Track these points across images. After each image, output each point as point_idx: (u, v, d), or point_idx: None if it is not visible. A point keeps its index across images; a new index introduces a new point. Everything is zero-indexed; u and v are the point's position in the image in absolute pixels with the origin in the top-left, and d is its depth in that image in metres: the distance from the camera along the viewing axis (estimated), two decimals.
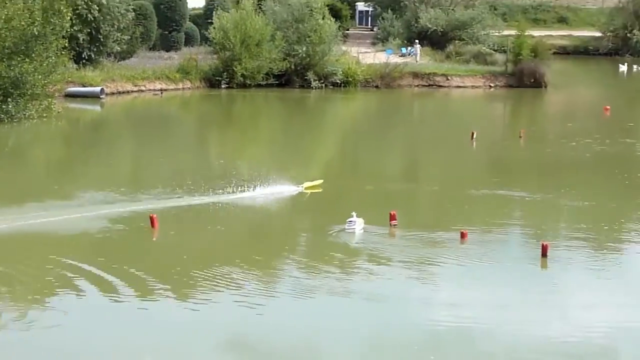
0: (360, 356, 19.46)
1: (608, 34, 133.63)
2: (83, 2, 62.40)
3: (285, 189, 37.48)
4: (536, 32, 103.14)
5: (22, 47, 45.84)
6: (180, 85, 69.70)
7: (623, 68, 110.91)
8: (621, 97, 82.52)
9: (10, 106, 45.63)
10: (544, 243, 27.22)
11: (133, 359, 19.06)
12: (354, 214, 29.42)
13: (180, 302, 22.55)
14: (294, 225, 32.11)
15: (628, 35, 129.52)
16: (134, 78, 67.57)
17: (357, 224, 29.44)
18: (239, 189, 35.47)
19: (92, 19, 63.61)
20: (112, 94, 64.32)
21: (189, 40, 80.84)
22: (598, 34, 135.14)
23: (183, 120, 61.71)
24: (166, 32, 78.94)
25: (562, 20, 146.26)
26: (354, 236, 29.15)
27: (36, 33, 43.02)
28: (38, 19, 43.98)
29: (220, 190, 34.97)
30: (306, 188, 39.47)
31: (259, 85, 70.60)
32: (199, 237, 28.72)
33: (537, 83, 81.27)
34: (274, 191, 37.20)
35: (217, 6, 77.39)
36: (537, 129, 59.76)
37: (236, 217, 32.85)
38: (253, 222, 32.58)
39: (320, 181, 40.18)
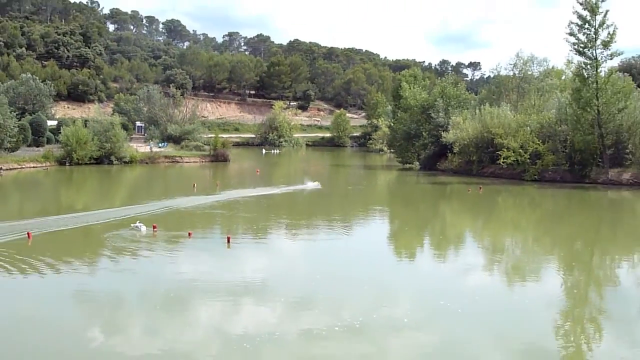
0: (137, 299, 19.03)
1: (258, 135, 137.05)
2: None
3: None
4: (225, 135, 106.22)
5: None
6: (44, 164, 66.42)
7: (264, 150, 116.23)
8: (264, 165, 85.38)
9: None
10: (229, 236, 27.60)
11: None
12: (138, 221, 29.57)
13: (47, 273, 21.86)
14: (106, 230, 29.54)
15: (267, 136, 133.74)
16: (18, 161, 64.41)
17: (142, 227, 29.01)
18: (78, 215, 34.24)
19: None
20: (6, 169, 60.30)
21: (49, 141, 76.99)
22: (253, 135, 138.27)
23: (46, 181, 58.70)
24: (36, 137, 74.72)
25: (237, 129, 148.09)
26: (140, 233, 28.29)
27: None
28: None
29: (67, 216, 33.95)
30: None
31: (86, 164, 68.31)
32: (55, 241, 27.21)
33: (225, 159, 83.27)
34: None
35: (63, 124, 74.41)
36: (225, 182, 60.38)
37: (86, 227, 31.41)
38: (92, 230, 30.66)
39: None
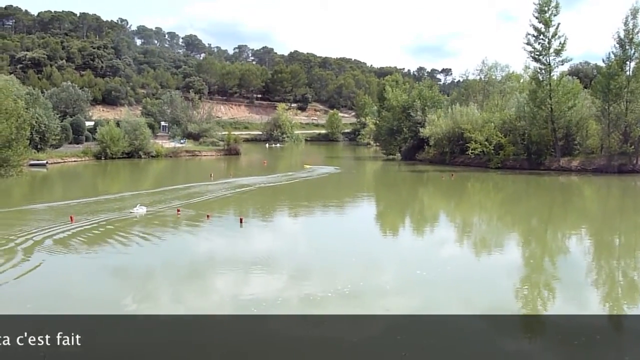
0: (164, 271, 19.00)
1: (264, 132, 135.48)
2: (37, 124, 58.24)
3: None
4: (236, 132, 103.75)
5: (7, 144, 40.94)
6: (83, 159, 65.91)
7: (267, 145, 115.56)
8: (270, 157, 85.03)
9: (2, 171, 41.39)
10: (241, 217, 27.99)
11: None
12: (138, 204, 29.35)
13: (87, 250, 21.82)
14: (115, 209, 29.75)
15: (272, 132, 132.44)
16: (62, 156, 63.41)
17: (141, 209, 28.72)
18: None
19: (41, 130, 59.62)
20: (51, 163, 59.92)
21: (87, 139, 75.61)
22: (260, 132, 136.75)
23: (85, 172, 58.50)
24: (76, 136, 73.48)
25: (246, 127, 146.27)
26: (140, 215, 28.02)
27: (13, 137, 38.18)
28: (14, 131, 38.79)
29: (104, 198, 34.03)
30: (305, 165, 56.40)
31: (119, 158, 67.65)
32: (93, 222, 26.25)
33: (237, 153, 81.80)
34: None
35: (99, 124, 73.81)
36: (237, 171, 60.31)
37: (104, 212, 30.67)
38: (125, 212, 29.50)
39: (311, 166, 59.54)
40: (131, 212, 28.41)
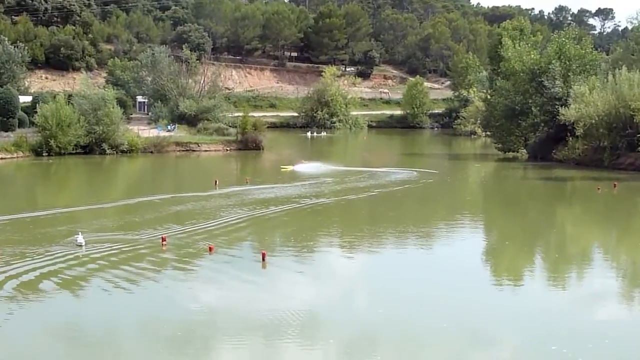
0: (138, 338, 19.82)
1: (302, 113, 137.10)
2: None
3: None
4: (256, 114, 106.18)
5: None
6: (15, 155, 67.97)
7: (309, 134, 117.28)
8: (310, 153, 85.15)
9: None
10: (263, 251, 28.07)
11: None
12: (79, 231, 29.79)
13: (21, 302, 23.93)
14: (95, 243, 30.58)
15: (314, 114, 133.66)
16: None
17: (80, 239, 29.03)
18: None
19: None
20: None
21: (21, 124, 77.83)
22: (295, 114, 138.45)
23: (18, 177, 60.19)
24: (4, 118, 75.68)
25: (272, 106, 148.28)
26: (81, 247, 28.47)
27: None
28: None
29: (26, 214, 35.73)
30: (282, 169, 60.64)
31: (70, 154, 69.57)
32: (29, 257, 27.01)
33: (257, 147, 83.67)
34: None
35: (40, 100, 75.96)
36: (257, 176, 60.26)
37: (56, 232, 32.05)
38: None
39: (292, 167, 62.03)
40: (80, 245, 29.09)
